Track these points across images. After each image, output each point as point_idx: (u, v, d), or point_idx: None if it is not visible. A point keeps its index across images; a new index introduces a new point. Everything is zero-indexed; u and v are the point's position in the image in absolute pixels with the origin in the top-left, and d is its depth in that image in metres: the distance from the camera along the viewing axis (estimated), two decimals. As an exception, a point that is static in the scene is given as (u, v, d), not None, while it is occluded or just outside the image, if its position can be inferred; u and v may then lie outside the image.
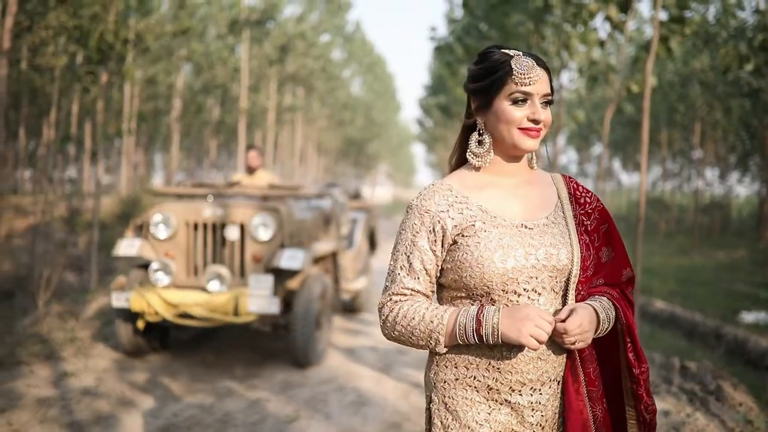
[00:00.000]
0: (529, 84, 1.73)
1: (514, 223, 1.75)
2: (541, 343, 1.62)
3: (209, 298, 5.60)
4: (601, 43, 9.43)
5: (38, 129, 23.96)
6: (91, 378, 5.55)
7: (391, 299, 1.79)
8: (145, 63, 23.56)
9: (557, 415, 1.80)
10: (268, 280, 5.45)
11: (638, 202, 6.65)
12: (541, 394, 1.74)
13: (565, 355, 1.78)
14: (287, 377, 5.80)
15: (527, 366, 1.71)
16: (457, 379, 1.76)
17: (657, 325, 8.27)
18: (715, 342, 7.20)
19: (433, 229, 1.76)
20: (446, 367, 1.78)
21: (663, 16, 8.15)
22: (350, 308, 8.62)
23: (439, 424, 1.77)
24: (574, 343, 1.68)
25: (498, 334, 1.64)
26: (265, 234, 5.77)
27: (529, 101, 1.75)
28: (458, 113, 24.55)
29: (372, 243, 9.51)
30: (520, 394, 1.73)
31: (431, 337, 1.71)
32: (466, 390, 1.75)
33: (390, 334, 1.80)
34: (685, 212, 31.68)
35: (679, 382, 4.99)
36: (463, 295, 1.76)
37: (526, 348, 1.68)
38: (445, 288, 1.81)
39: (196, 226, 5.96)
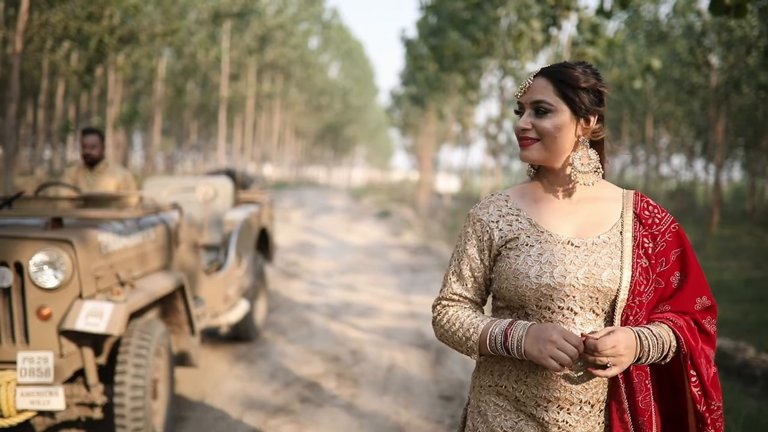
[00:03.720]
0: (520, 94, 1.74)
1: (560, 240, 1.71)
2: (563, 365, 1.58)
3: None
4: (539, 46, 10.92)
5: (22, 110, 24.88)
6: None
7: (440, 303, 1.84)
8: (128, 48, 24.62)
9: None
10: (45, 359, 3.59)
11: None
12: (569, 413, 1.69)
13: (601, 379, 1.70)
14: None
15: (555, 384, 1.68)
16: (491, 386, 1.78)
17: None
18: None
19: (482, 238, 1.77)
20: (484, 373, 1.81)
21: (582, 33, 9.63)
22: (235, 336, 6.52)
23: (471, 425, 1.82)
24: (606, 366, 1.60)
25: (522, 350, 1.63)
26: (53, 279, 3.70)
27: (525, 111, 1.74)
28: (427, 104, 25.99)
29: (265, 248, 7.40)
30: (546, 411, 1.70)
31: (467, 345, 1.74)
32: (498, 397, 1.76)
33: (437, 334, 1.85)
34: (652, 198, 33.03)
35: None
36: (503, 305, 1.78)
37: None
38: (494, 297, 1.83)
39: None
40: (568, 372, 1.67)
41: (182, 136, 39.79)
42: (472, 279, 1.80)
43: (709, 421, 1.72)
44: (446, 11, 17.17)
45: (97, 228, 4.05)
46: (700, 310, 1.73)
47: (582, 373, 1.67)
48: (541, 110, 1.70)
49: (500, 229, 1.75)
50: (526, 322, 1.67)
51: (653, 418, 1.71)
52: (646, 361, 1.64)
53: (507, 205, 1.78)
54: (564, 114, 1.68)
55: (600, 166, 1.73)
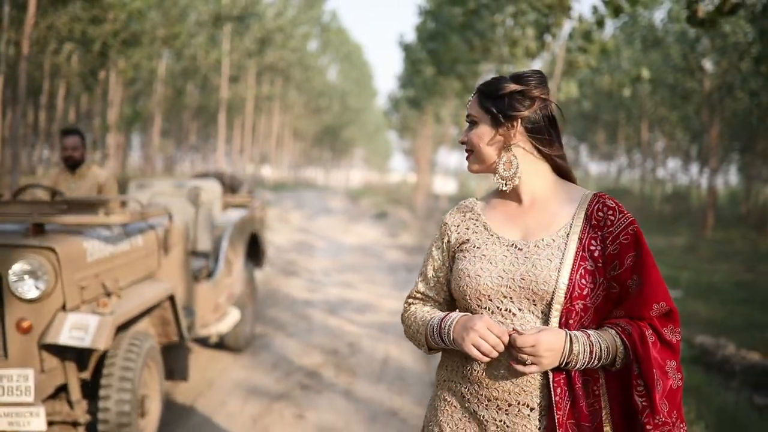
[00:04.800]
0: (467, 110, 1.82)
1: (505, 242, 1.73)
2: (485, 354, 1.61)
3: None
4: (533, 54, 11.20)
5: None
6: None
7: (407, 301, 1.92)
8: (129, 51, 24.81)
9: None
10: (26, 376, 3.37)
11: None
12: (507, 414, 1.69)
13: (541, 382, 1.67)
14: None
15: (494, 383, 1.68)
16: (444, 381, 1.82)
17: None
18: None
19: (443, 240, 1.85)
20: (441, 367, 1.85)
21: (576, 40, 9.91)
22: (223, 345, 6.17)
23: (427, 417, 1.89)
24: (526, 363, 1.60)
25: (451, 338, 1.68)
26: (34, 290, 3.47)
27: None
28: (425, 107, 26.29)
29: (257, 253, 7.00)
30: (486, 409, 1.71)
31: (418, 338, 1.81)
32: (448, 393, 1.80)
33: (404, 331, 1.91)
34: (648, 201, 33.14)
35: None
36: (458, 305, 1.82)
37: (495, 363, 1.67)
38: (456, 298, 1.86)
39: None
40: (509, 371, 1.66)
41: (181, 137, 39.99)
42: (435, 279, 1.86)
43: None
44: (445, 17, 17.46)
45: (82, 235, 3.81)
46: (659, 316, 1.66)
47: (520, 375, 1.66)
48: (470, 123, 1.78)
49: (458, 232, 1.81)
50: (462, 313, 1.73)
51: (603, 425, 1.66)
52: (577, 366, 1.61)
53: (472, 210, 1.83)
54: (485, 124, 1.73)
55: (517, 170, 1.73)
